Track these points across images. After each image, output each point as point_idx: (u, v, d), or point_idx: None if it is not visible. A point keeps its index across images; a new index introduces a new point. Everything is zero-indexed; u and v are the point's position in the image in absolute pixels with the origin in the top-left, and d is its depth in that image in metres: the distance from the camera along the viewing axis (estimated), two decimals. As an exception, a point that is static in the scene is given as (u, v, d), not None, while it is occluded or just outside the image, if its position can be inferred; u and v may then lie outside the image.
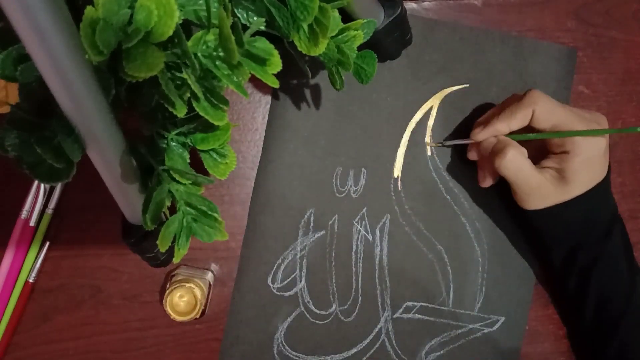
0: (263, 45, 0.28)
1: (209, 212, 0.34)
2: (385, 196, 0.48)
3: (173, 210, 0.34)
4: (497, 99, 0.48)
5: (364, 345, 0.48)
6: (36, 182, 0.45)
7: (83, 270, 0.47)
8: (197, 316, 0.44)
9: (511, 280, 0.49)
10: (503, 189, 0.45)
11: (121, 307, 0.47)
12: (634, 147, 0.51)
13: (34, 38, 0.19)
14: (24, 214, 0.45)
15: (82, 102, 0.24)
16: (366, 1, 0.39)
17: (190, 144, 0.35)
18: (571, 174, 0.41)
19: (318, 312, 0.48)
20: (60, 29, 0.20)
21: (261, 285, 0.48)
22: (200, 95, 0.27)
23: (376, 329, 0.48)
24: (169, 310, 0.44)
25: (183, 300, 0.44)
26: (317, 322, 0.48)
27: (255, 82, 0.48)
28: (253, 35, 0.28)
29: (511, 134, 0.42)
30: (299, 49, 0.33)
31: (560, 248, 0.45)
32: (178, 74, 0.27)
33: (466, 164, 0.48)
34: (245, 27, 0.28)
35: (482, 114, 0.46)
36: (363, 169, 0.48)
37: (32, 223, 0.45)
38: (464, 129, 0.48)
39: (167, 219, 0.34)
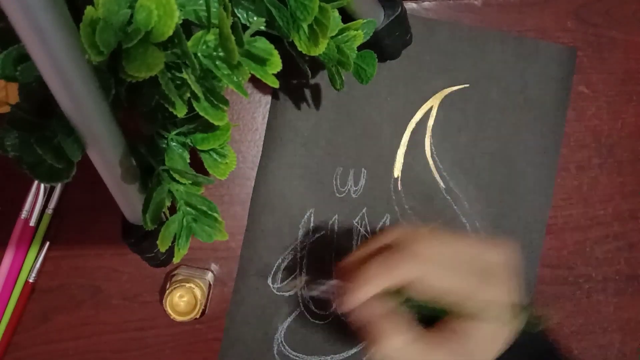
0: (263, 45, 0.28)
1: (209, 212, 0.34)
2: (385, 196, 0.48)
3: (173, 210, 0.34)
4: (497, 99, 0.48)
5: (364, 345, 0.48)
6: (36, 182, 0.45)
7: (83, 270, 0.47)
8: (197, 316, 0.44)
9: (511, 280, 0.49)
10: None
11: (121, 307, 0.47)
12: (634, 147, 0.51)
13: (34, 38, 0.19)
14: (24, 214, 0.45)
15: (82, 102, 0.24)
16: (366, 1, 0.39)
17: (190, 144, 0.35)
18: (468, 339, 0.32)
19: (318, 312, 0.48)
20: (60, 29, 0.20)
21: (261, 285, 0.48)
22: (200, 95, 0.27)
23: (376, 329, 0.48)
24: (169, 310, 0.44)
25: (183, 300, 0.44)
26: (317, 322, 0.48)
27: (255, 82, 0.48)
28: (253, 35, 0.28)
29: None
30: (299, 49, 0.33)
31: None
32: (178, 74, 0.27)
33: (466, 164, 0.48)
34: (245, 27, 0.28)
35: (482, 114, 0.46)
36: (363, 169, 0.48)
37: (32, 223, 0.45)
38: (464, 128, 0.48)
39: (167, 219, 0.34)
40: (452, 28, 0.49)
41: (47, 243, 0.46)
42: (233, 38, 0.25)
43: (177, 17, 0.22)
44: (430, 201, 0.48)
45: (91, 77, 0.23)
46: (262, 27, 0.30)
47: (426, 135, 0.49)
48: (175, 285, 0.44)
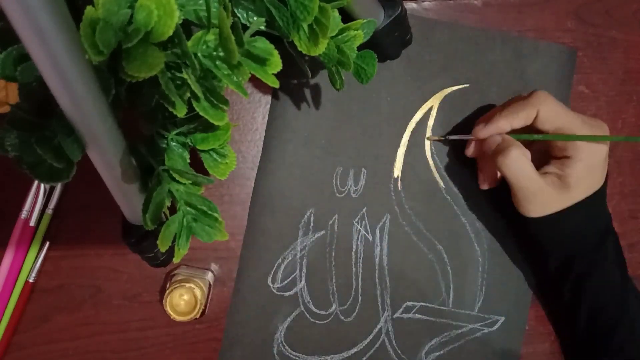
0: (263, 45, 0.28)
1: (209, 212, 0.34)
2: (385, 196, 0.48)
3: (173, 210, 0.34)
4: (497, 99, 0.48)
5: (364, 345, 0.48)
6: (36, 182, 0.45)
7: (83, 270, 0.47)
8: (197, 316, 0.44)
9: (511, 280, 0.49)
10: (502, 193, 0.45)
11: (121, 307, 0.47)
12: (634, 147, 0.51)
13: (34, 38, 0.19)
14: (24, 214, 0.45)
15: (82, 102, 0.24)
16: (366, 1, 0.39)
17: (190, 144, 0.35)
18: (573, 179, 0.41)
19: (318, 312, 0.48)
20: (60, 29, 0.20)
21: (261, 285, 0.48)
22: (200, 95, 0.27)
23: (376, 329, 0.48)
24: (169, 310, 0.44)
25: (183, 300, 0.44)
26: (317, 322, 0.48)
27: (255, 82, 0.48)
28: (253, 35, 0.28)
29: (514, 133, 0.42)
30: (299, 49, 0.33)
31: (556, 256, 0.45)
32: (178, 74, 0.27)
33: (466, 164, 0.48)
34: (245, 27, 0.28)
35: (482, 114, 0.46)
36: (363, 169, 0.48)
37: (32, 223, 0.45)
38: (464, 129, 0.48)
39: (167, 219, 0.34)
40: (452, 28, 0.49)
41: (47, 243, 0.46)
42: (233, 38, 0.25)
43: (177, 17, 0.22)
44: (430, 201, 0.48)
45: (91, 77, 0.23)
46: (262, 27, 0.30)
47: (426, 135, 0.49)
48: (176, 285, 0.44)
